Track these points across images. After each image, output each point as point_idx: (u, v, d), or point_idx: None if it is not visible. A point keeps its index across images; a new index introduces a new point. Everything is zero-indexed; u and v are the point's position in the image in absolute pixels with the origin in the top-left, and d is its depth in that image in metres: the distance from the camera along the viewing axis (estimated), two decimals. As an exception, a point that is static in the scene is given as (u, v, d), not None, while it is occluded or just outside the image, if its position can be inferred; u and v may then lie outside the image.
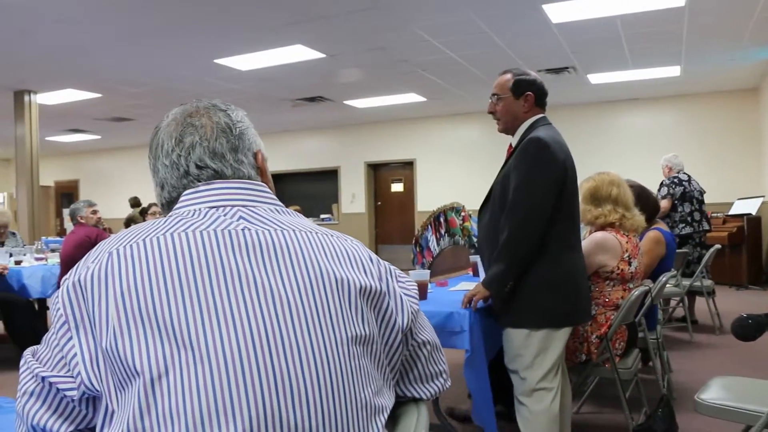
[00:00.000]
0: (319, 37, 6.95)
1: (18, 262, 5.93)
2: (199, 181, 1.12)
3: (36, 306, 5.90)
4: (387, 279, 1.12)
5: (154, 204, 6.88)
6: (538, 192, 2.48)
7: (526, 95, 2.67)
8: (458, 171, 12.40)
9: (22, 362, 1.05)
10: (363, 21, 6.39)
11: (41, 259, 6.26)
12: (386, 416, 1.07)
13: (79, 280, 0.98)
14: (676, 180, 6.43)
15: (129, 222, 8.75)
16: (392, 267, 1.18)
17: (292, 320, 0.97)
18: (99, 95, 9.72)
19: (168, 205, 1.17)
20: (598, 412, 3.78)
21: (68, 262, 5.53)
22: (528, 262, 2.53)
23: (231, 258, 0.99)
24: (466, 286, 3.45)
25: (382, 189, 13.86)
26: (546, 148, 2.50)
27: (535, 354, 2.58)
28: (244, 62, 7.87)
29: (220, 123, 1.16)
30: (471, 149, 12.37)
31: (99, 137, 14.53)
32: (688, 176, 6.51)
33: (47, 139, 13.97)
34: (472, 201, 5.57)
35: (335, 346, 0.99)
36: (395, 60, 8.04)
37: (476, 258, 3.90)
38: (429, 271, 3.16)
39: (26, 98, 9.43)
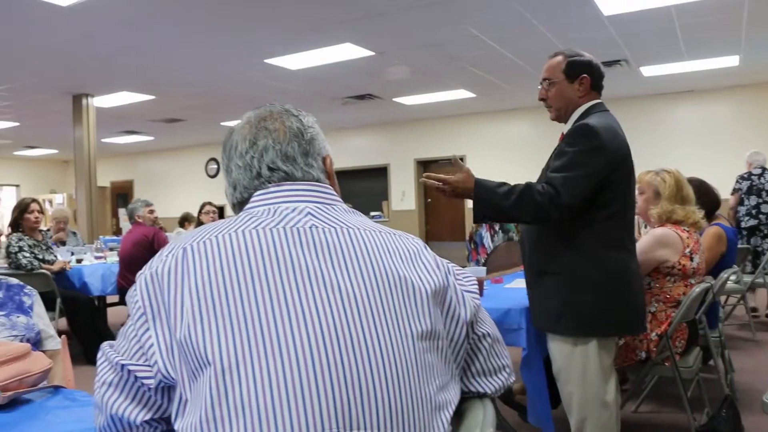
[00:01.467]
0: (368, 35, 6.97)
1: (79, 261, 6.10)
2: (270, 183, 1.16)
3: (96, 303, 6.08)
4: (446, 275, 1.13)
5: (208, 203, 7.01)
6: (575, 182, 2.22)
7: (581, 78, 2.42)
8: (508, 167, 12.24)
9: (99, 354, 1.09)
10: (412, 18, 6.38)
11: (100, 257, 6.44)
12: (451, 412, 1.07)
13: (156, 272, 1.02)
14: (745, 175, 6.91)
15: (183, 221, 8.95)
16: (450, 264, 1.19)
17: (359, 316, 0.99)
18: (153, 97, 9.93)
19: (239, 205, 1.20)
20: (657, 411, 3.71)
21: (127, 261, 5.68)
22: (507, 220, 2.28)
23: (300, 254, 1.02)
24: (521, 283, 3.40)
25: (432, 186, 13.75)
26: (595, 136, 2.25)
27: (580, 368, 2.36)
28: (294, 62, 7.93)
29: (292, 127, 1.20)
30: (521, 145, 12.23)
31: (152, 138, 14.87)
32: (762, 170, 6.86)
33: (103, 140, 14.34)
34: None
35: (401, 342, 1.00)
36: (444, 56, 8.00)
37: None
38: (485, 268, 3.14)
39: (84, 101, 9.71)
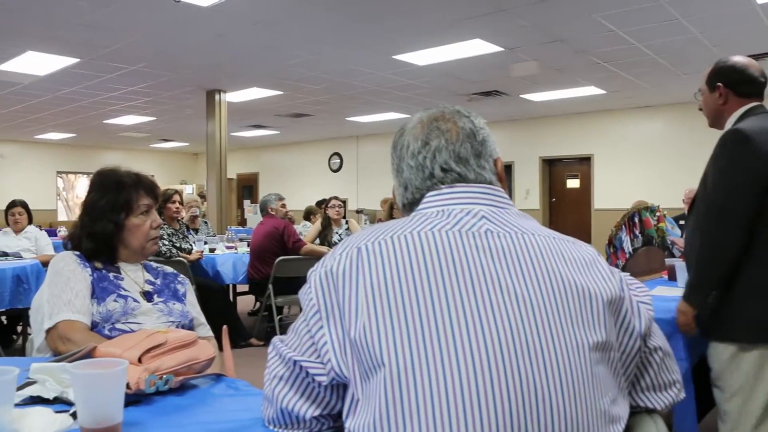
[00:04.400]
0: (497, 30, 6.86)
1: (212, 250, 6.36)
2: (443, 184, 1.16)
3: (226, 290, 6.33)
4: (621, 284, 1.09)
5: (334, 197, 7.13)
6: (733, 194, 2.17)
7: (716, 86, 2.41)
8: (639, 168, 11.76)
9: (270, 348, 1.12)
10: (543, 12, 6.22)
11: (231, 247, 6.67)
12: (622, 427, 1.04)
13: (331, 271, 1.03)
14: None
15: (308, 214, 9.16)
16: (623, 273, 1.15)
17: (535, 323, 0.97)
18: (281, 92, 10.24)
19: (410, 206, 1.20)
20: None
21: (258, 252, 5.87)
22: (728, 270, 2.22)
23: (476, 258, 1.01)
24: (662, 290, 3.24)
25: (557, 185, 13.50)
26: (744, 141, 2.17)
27: (745, 378, 2.21)
28: (421, 57, 7.94)
29: (464, 128, 1.19)
30: (653, 145, 11.68)
31: (278, 132, 15.37)
32: None
33: (231, 134, 14.96)
34: (655, 199, 5.26)
35: (577, 352, 0.98)
36: (575, 51, 7.76)
37: (672, 261, 3.67)
38: (626, 273, 3.00)
39: (217, 97, 10.18)
